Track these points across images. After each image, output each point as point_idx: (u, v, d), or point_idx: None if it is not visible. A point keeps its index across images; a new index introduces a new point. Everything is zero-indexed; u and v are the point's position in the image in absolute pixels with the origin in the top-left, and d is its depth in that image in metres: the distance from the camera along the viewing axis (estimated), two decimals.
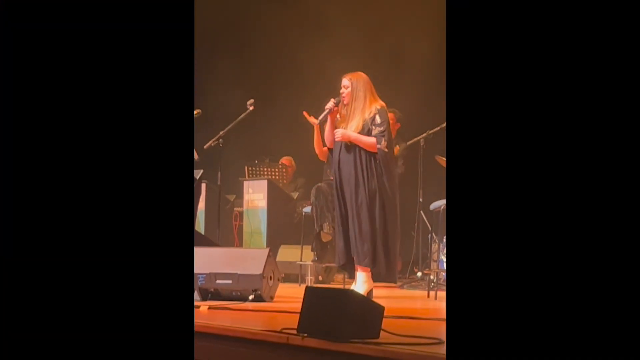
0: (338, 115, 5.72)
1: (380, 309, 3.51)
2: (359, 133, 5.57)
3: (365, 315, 3.45)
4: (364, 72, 5.71)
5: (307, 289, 3.62)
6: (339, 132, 5.61)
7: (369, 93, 5.63)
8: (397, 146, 7.26)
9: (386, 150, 5.56)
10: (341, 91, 5.66)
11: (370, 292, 5.60)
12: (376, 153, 5.56)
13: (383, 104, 5.65)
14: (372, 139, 5.54)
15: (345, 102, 5.66)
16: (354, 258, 5.63)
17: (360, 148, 5.59)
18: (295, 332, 3.53)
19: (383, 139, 5.55)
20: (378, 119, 5.56)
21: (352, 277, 5.82)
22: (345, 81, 5.66)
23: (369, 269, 5.60)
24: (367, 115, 5.58)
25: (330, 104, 5.65)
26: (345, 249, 5.69)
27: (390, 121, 7.70)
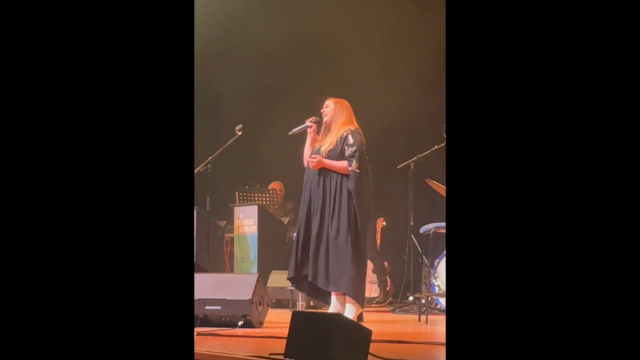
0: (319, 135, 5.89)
1: (368, 332, 3.48)
2: (331, 151, 5.70)
3: (352, 339, 3.41)
4: (354, 98, 5.88)
5: (294, 313, 3.59)
6: (314, 161, 5.72)
7: (347, 117, 5.80)
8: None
9: (358, 171, 5.64)
10: (322, 110, 5.84)
11: (360, 316, 5.59)
12: (348, 175, 5.65)
13: (358, 127, 5.80)
14: (344, 163, 5.67)
15: (324, 120, 5.82)
16: (327, 284, 5.65)
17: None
18: (282, 357, 3.49)
19: (354, 160, 5.65)
20: (350, 139, 5.70)
21: (300, 289, 5.98)
22: (328, 102, 5.85)
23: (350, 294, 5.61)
24: (340, 135, 5.72)
25: (310, 120, 5.85)
26: (297, 265, 5.75)
27: None
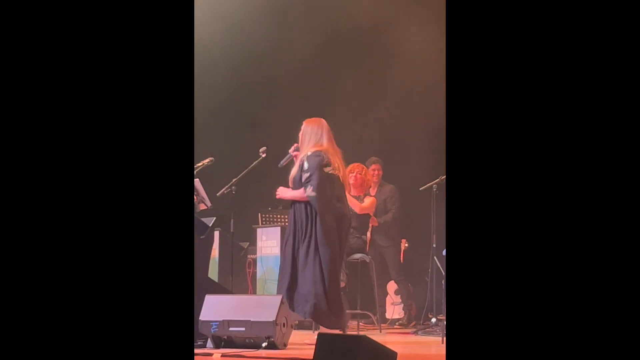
0: None
1: (393, 354, 3.50)
2: (294, 179, 5.80)
3: None
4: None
5: (319, 335, 3.61)
6: (278, 195, 5.89)
7: (314, 139, 5.81)
8: (371, 196, 7.43)
9: (313, 194, 5.67)
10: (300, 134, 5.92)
11: None
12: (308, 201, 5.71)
13: (323, 148, 5.77)
14: (300, 191, 5.74)
15: (300, 147, 5.89)
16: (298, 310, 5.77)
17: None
18: None
19: (309, 185, 5.68)
20: (305, 165, 5.75)
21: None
22: (303, 126, 5.89)
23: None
24: (300, 161, 5.80)
25: (292, 148, 5.93)
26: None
27: (375, 171, 7.88)
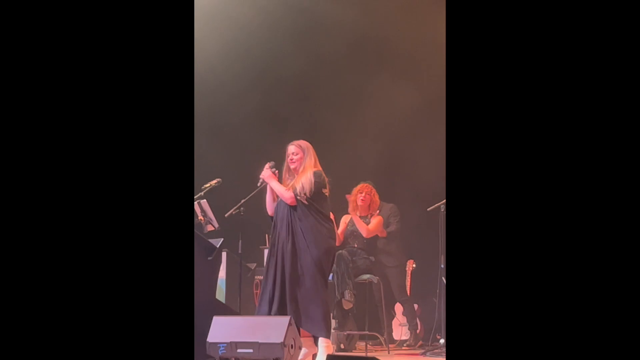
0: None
1: None
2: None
3: None
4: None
5: (328, 357, 3.60)
6: (264, 176, 6.08)
7: (311, 159, 5.98)
8: (379, 215, 7.42)
9: (305, 202, 5.81)
10: (290, 158, 6.03)
11: (313, 356, 5.75)
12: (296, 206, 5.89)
13: (318, 168, 5.95)
14: (288, 192, 5.88)
15: (292, 167, 6.02)
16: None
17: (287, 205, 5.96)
18: None
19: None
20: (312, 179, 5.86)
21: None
22: (293, 148, 6.03)
23: (308, 335, 5.78)
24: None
25: (267, 166, 6.08)
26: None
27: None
